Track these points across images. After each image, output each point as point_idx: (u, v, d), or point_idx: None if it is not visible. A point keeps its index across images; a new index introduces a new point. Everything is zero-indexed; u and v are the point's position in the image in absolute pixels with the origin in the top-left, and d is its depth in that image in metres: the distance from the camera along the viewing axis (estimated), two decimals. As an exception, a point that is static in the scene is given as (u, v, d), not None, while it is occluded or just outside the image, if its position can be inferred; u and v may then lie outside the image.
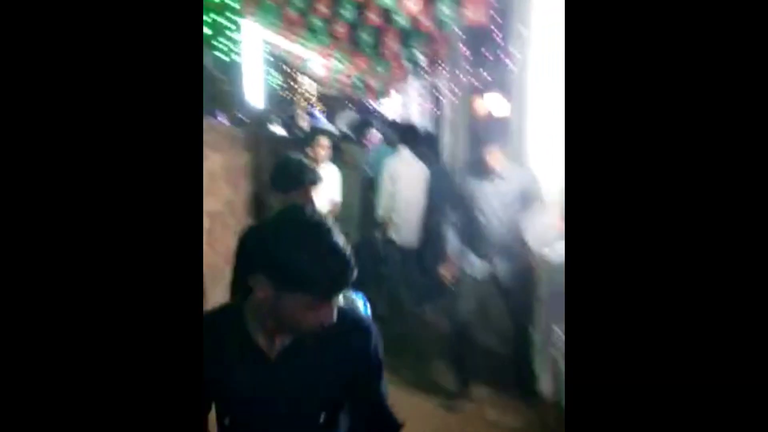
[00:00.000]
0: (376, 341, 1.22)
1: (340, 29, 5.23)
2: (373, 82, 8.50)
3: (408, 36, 5.23)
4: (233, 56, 6.89)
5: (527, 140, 3.75)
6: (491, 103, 5.66)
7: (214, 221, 3.42)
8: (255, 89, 7.22)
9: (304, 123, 9.24)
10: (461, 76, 5.97)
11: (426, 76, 7.67)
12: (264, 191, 4.03)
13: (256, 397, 1.16)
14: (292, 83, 14.65)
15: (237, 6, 5.37)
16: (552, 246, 2.88)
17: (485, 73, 5.23)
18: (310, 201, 2.19)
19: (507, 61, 4.33)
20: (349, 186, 4.27)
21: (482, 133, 3.08)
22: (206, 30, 6.09)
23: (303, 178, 2.21)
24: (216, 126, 5.29)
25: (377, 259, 4.54)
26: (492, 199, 3.10)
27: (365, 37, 5.31)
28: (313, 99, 15.57)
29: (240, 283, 2.25)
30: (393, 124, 6.45)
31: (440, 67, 6.86)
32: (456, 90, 6.27)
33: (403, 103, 9.94)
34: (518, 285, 3.19)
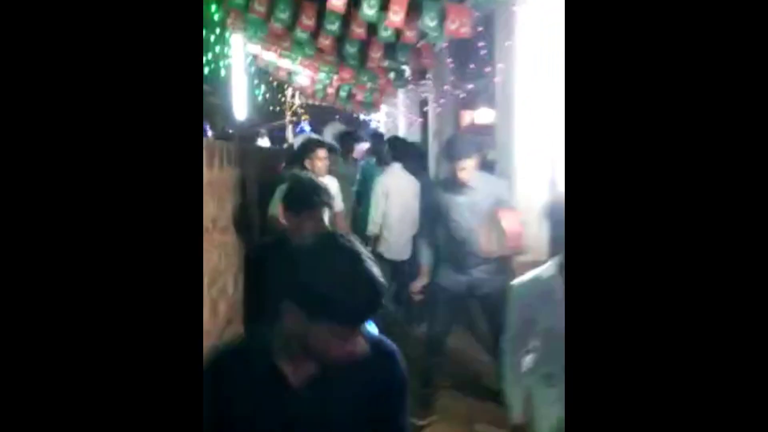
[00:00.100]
0: (402, 365, 1.20)
1: (325, 42, 5.25)
2: (359, 94, 8.52)
3: (393, 48, 5.25)
4: (219, 70, 6.89)
5: (513, 150, 3.77)
6: (477, 114, 5.70)
7: (199, 237, 3.38)
8: (241, 102, 7.21)
9: (291, 135, 9.24)
10: (447, 87, 6.01)
11: (412, 87, 7.71)
12: (251, 206, 4.00)
13: (281, 426, 1.12)
14: (279, 96, 14.67)
15: (222, 20, 5.36)
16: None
17: (471, 85, 5.26)
18: (322, 222, 2.16)
19: (491, 72, 4.36)
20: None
21: (452, 148, 3.09)
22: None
23: (316, 200, 2.16)
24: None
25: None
26: (465, 211, 3.11)
27: (350, 49, 5.33)
28: (301, 111, 15.59)
29: (254, 303, 2.21)
30: (380, 136, 6.46)
31: (426, 79, 6.89)
32: (442, 101, 6.30)
33: (390, 114, 9.97)
34: (496, 297, 3.09)
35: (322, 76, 8.38)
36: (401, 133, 8.60)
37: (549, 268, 1.74)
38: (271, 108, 14.56)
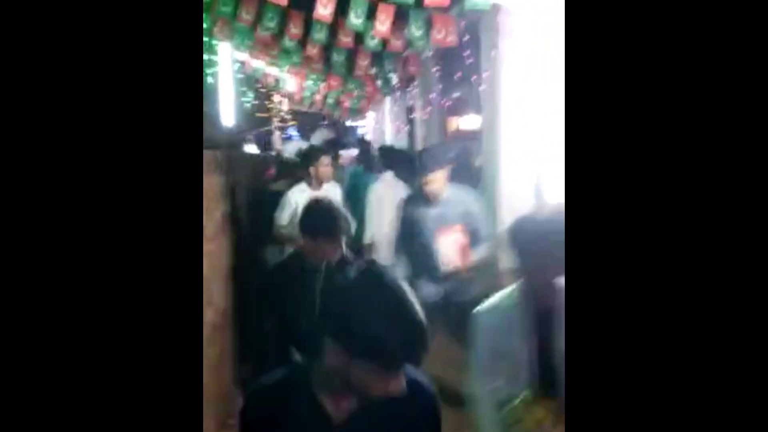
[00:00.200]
0: (437, 403, 1.19)
1: (313, 50, 5.28)
2: (346, 102, 8.56)
3: (379, 57, 5.30)
4: (207, 77, 6.88)
5: (499, 156, 3.82)
6: (462, 121, 5.75)
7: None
8: (229, 109, 7.20)
9: (279, 142, 9.24)
10: (433, 95, 6.07)
11: (398, 95, 7.76)
12: (240, 215, 4.00)
13: None
14: (266, 103, 14.65)
15: (209, 28, 5.37)
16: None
17: (457, 93, 5.31)
18: (340, 248, 2.14)
19: (478, 79, 4.42)
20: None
21: (420, 161, 3.12)
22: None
23: (335, 228, 2.11)
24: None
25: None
26: (433, 224, 3.14)
27: (337, 57, 5.37)
28: (288, 118, 15.58)
29: (276, 327, 2.18)
30: (367, 143, 6.50)
31: (412, 87, 6.95)
32: (428, 109, 6.35)
33: (377, 120, 10.02)
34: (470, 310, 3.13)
35: (309, 83, 8.42)
36: (388, 139, 8.64)
37: (512, 294, 1.67)
38: (258, 114, 14.52)
